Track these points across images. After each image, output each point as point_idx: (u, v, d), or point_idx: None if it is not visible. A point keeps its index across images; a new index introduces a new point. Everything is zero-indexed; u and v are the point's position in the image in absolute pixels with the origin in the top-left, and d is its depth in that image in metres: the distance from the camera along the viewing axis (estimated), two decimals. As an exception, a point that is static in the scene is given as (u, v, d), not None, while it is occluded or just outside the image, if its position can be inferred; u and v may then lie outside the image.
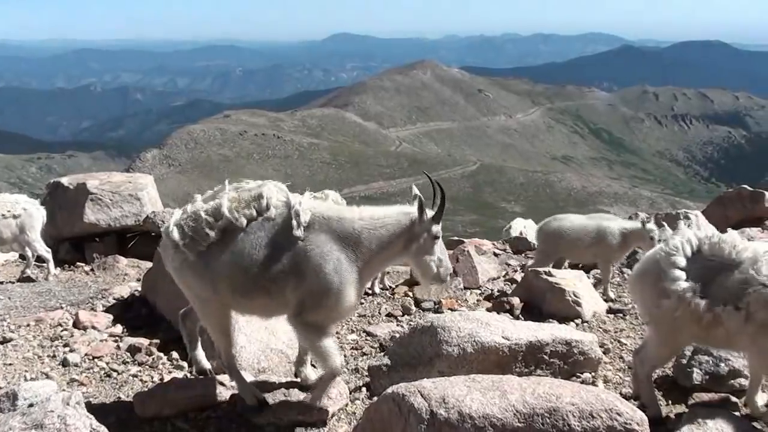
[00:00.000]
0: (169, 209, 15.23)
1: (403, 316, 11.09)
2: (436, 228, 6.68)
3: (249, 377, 7.81)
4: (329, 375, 6.84)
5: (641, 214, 19.50)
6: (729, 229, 6.86)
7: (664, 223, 11.90)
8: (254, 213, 6.46)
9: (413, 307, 11.38)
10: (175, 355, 8.86)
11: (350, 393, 7.61)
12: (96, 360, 8.65)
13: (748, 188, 18.86)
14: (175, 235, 6.55)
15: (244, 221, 6.41)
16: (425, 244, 6.68)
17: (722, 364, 7.58)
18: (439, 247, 6.79)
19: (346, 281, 6.34)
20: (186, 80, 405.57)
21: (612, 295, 11.39)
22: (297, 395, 7.20)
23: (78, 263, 14.14)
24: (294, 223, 6.34)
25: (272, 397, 7.14)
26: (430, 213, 6.66)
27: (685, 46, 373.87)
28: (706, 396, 7.33)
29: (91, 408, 7.17)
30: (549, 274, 11.01)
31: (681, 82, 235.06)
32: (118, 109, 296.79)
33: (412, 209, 6.67)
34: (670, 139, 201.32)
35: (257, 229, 6.41)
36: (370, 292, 12.36)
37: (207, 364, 7.56)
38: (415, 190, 6.77)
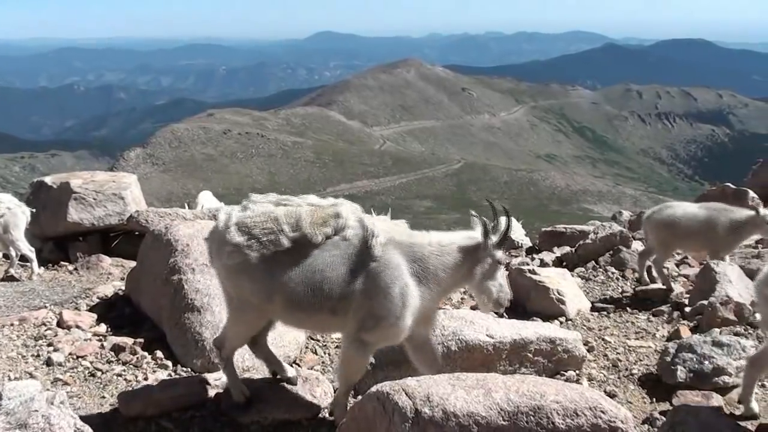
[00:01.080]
0: (153, 208, 15.21)
1: (387, 313, 11.08)
2: (500, 253, 6.63)
3: (234, 376, 7.82)
4: (346, 391, 6.88)
5: (625, 212, 19.60)
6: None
7: None
8: (330, 231, 6.39)
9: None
10: (159, 354, 8.84)
11: (334, 392, 7.62)
12: (80, 359, 8.62)
13: (732, 186, 18.94)
14: (237, 234, 6.42)
15: (321, 238, 6.34)
16: (488, 270, 6.62)
17: (706, 362, 7.63)
18: (502, 272, 6.76)
19: (408, 306, 6.30)
20: (169, 79, 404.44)
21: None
22: (281, 394, 7.20)
23: (62, 262, 14.08)
24: (372, 243, 6.31)
25: (256, 396, 7.14)
26: (493, 238, 6.58)
27: (668, 44, 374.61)
28: (690, 393, 7.36)
29: (75, 407, 7.17)
30: (533, 272, 11.06)
31: (664, 81, 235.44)
32: (102, 108, 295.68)
33: (477, 234, 6.64)
34: (653, 137, 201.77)
35: (332, 248, 6.33)
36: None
37: (292, 372, 7.51)
38: (477, 216, 6.77)
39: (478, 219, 6.64)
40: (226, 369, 7.11)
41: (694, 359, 7.67)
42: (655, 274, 11.71)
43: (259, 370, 8.04)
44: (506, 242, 6.68)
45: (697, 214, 11.31)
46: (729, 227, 11.10)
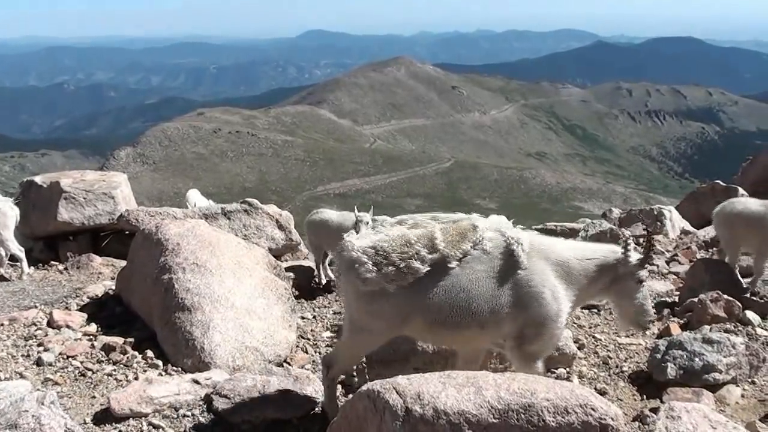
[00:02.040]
0: (143, 207, 15.19)
1: (378, 312, 11.10)
2: (642, 273, 6.57)
3: (224, 375, 7.81)
4: None
5: (615, 210, 19.62)
6: None
7: None
8: (469, 246, 6.28)
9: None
10: (149, 353, 8.83)
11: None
12: (70, 359, 8.60)
13: (722, 184, 19.02)
14: (369, 263, 6.24)
15: (460, 256, 6.22)
16: (628, 287, 6.59)
17: (696, 359, 7.65)
18: (643, 293, 6.68)
19: (562, 309, 6.31)
20: (159, 78, 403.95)
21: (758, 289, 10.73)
22: (272, 393, 7.20)
23: (52, 262, 14.04)
24: (517, 252, 6.24)
25: (247, 395, 7.13)
26: (636, 256, 6.56)
27: (658, 42, 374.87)
28: (680, 390, 7.37)
29: (66, 407, 7.16)
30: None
31: (654, 78, 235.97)
32: (92, 107, 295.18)
33: (618, 249, 6.60)
34: (643, 135, 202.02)
35: (474, 263, 6.22)
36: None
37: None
38: (626, 232, 6.74)
39: (624, 235, 6.63)
40: (328, 389, 6.96)
41: (685, 356, 7.69)
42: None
43: (250, 369, 8.04)
44: (649, 262, 6.64)
45: (756, 210, 10.65)
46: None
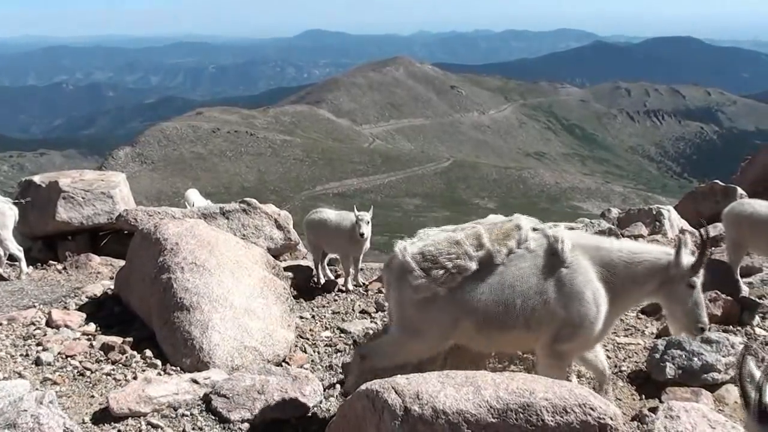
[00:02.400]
0: (141, 207, 15.18)
1: (376, 312, 11.13)
2: (695, 278, 6.48)
3: (223, 374, 7.82)
4: None
5: (614, 210, 19.62)
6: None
7: None
8: (514, 244, 6.32)
9: (386, 304, 11.42)
10: (148, 353, 8.83)
11: (324, 390, 7.63)
12: (69, 359, 8.60)
13: (720, 183, 19.01)
14: (418, 270, 6.28)
15: (505, 253, 6.27)
16: (679, 292, 6.51)
17: (695, 359, 7.65)
18: (696, 298, 6.56)
19: (601, 311, 6.28)
20: (158, 77, 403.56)
21: None
22: (271, 393, 7.20)
23: (50, 262, 14.04)
24: (560, 250, 6.27)
25: (246, 395, 7.13)
26: (689, 260, 6.48)
27: (656, 41, 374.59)
28: (679, 390, 7.37)
29: (65, 407, 7.16)
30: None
31: (653, 78, 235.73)
32: (90, 106, 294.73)
33: (671, 251, 6.55)
34: (642, 134, 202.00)
35: (519, 261, 6.26)
36: (343, 289, 12.43)
37: None
38: (682, 235, 6.70)
39: (678, 237, 6.59)
40: (358, 378, 6.90)
41: (683, 356, 7.69)
42: None
43: (249, 369, 8.03)
44: (702, 267, 6.51)
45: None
46: None
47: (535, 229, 6.47)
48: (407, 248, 6.46)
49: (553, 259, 6.26)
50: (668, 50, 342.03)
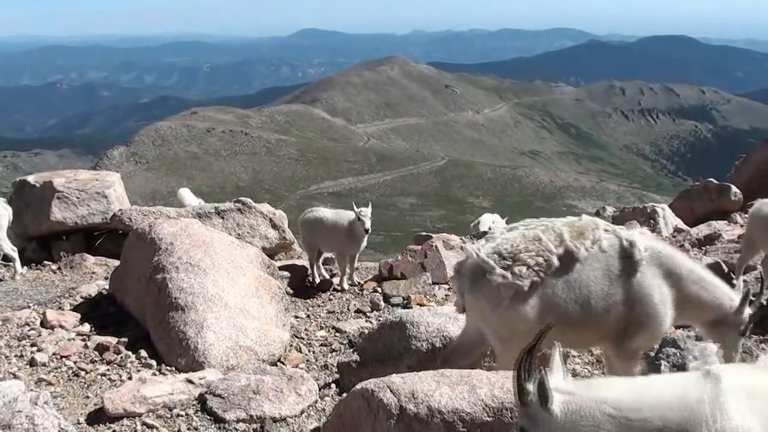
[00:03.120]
0: (136, 206, 15.18)
1: (372, 312, 11.15)
2: (743, 326, 6.67)
3: (218, 374, 7.82)
4: None
5: (608, 208, 19.65)
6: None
7: None
8: (590, 243, 6.30)
9: (382, 303, 11.44)
10: (143, 353, 8.84)
11: (320, 389, 7.64)
12: (64, 359, 8.61)
13: (715, 182, 19.08)
14: (498, 268, 6.14)
15: (583, 251, 6.25)
16: (730, 336, 6.69)
17: (690, 357, 7.64)
18: (740, 343, 6.78)
19: (668, 314, 6.33)
20: (153, 77, 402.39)
21: None
22: (266, 392, 7.20)
23: (45, 262, 14.01)
24: (634, 252, 6.25)
25: (241, 395, 7.13)
26: (749, 311, 6.62)
27: (651, 40, 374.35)
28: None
29: (59, 408, 7.15)
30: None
31: (647, 77, 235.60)
32: (85, 106, 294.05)
33: (736, 297, 6.64)
34: (636, 133, 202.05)
35: (593, 261, 6.24)
36: (339, 288, 12.44)
37: None
38: (743, 283, 6.73)
39: (745, 286, 6.62)
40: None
41: (678, 354, 7.69)
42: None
43: (244, 369, 8.03)
44: (755, 317, 6.69)
45: None
46: None
47: (605, 230, 6.46)
48: (480, 249, 6.35)
49: (625, 260, 6.26)
50: (663, 49, 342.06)
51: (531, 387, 3.96)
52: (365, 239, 12.41)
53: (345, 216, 12.56)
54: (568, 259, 6.20)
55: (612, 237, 6.38)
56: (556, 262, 6.14)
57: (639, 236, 6.48)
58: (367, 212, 12.11)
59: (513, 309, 6.11)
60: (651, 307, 6.23)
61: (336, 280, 12.85)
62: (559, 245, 6.21)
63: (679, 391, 3.87)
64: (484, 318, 6.38)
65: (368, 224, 12.03)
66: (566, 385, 4.06)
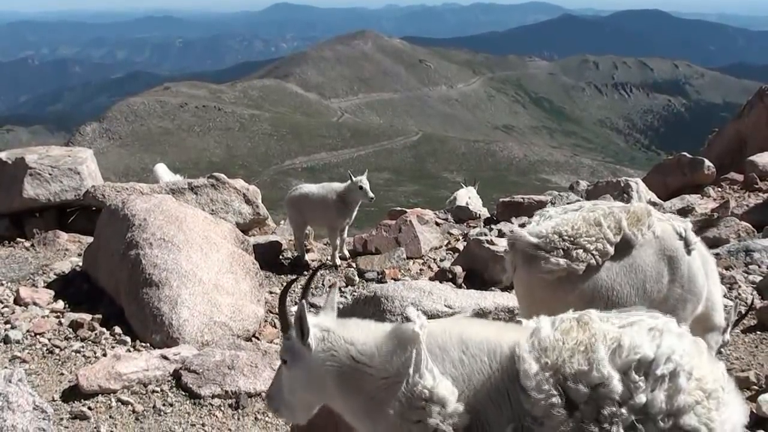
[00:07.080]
0: (109, 183, 15.10)
1: (346, 286, 11.17)
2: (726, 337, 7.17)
3: (193, 350, 7.81)
4: None
5: (582, 182, 19.70)
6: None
7: None
8: (646, 229, 6.30)
9: (356, 278, 11.45)
10: (117, 329, 8.83)
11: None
12: (38, 336, 8.58)
13: (688, 156, 19.13)
14: (556, 250, 6.12)
15: (640, 237, 6.25)
16: (712, 342, 6.93)
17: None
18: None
19: (702, 295, 6.57)
20: (125, 52, 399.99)
21: None
22: (241, 367, 7.21)
23: (18, 239, 13.91)
24: (688, 237, 6.37)
25: (216, 370, 7.14)
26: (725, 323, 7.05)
27: (624, 15, 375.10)
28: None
29: (34, 385, 7.14)
30: (491, 242, 11.11)
31: (621, 51, 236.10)
32: (57, 82, 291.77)
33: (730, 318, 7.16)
34: (610, 107, 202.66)
35: (647, 246, 6.28)
36: (331, 263, 12.42)
37: None
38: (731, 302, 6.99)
39: (737, 312, 7.04)
40: None
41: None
42: None
43: (218, 344, 8.04)
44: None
45: None
46: None
47: (658, 218, 6.54)
48: (537, 227, 6.36)
49: (676, 245, 6.35)
50: (636, 23, 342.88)
51: (292, 321, 4.40)
52: (356, 210, 12.43)
53: (331, 188, 12.54)
54: (625, 245, 6.23)
55: (664, 223, 6.45)
56: (611, 250, 6.16)
57: (688, 224, 6.59)
58: (366, 182, 12.12)
59: (563, 290, 6.12)
60: (699, 288, 6.45)
61: (310, 256, 12.85)
62: (617, 233, 6.20)
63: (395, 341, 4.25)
64: (533, 295, 6.39)
65: (371, 193, 12.08)
66: (327, 323, 4.52)
